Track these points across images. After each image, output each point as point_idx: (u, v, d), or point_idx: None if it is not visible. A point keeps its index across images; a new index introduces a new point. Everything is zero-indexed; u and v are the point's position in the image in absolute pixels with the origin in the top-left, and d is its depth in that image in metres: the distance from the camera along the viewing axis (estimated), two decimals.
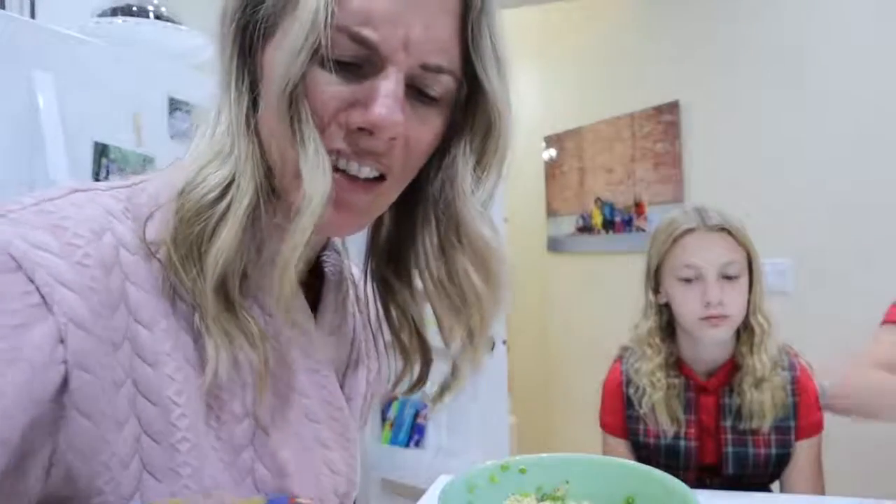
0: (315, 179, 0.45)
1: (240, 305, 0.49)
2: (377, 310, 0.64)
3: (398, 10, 0.45)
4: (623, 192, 2.90)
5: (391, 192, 0.53)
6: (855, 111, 2.07)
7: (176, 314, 0.48)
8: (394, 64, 0.46)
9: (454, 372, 0.60)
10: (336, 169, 0.48)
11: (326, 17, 0.44)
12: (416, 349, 0.63)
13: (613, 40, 2.96)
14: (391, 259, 0.61)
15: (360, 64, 0.47)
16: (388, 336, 0.65)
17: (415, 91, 0.49)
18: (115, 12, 1.43)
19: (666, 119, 2.65)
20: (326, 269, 0.63)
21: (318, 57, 0.45)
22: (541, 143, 3.40)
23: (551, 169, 3.36)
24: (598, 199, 3.04)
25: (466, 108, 0.52)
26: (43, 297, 0.41)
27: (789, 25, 2.24)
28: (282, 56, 0.45)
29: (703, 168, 2.55)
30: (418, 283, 0.59)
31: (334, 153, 0.48)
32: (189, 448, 0.46)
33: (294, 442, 0.55)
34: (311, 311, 0.58)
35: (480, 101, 0.51)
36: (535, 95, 3.40)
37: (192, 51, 1.52)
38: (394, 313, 0.62)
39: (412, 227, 0.57)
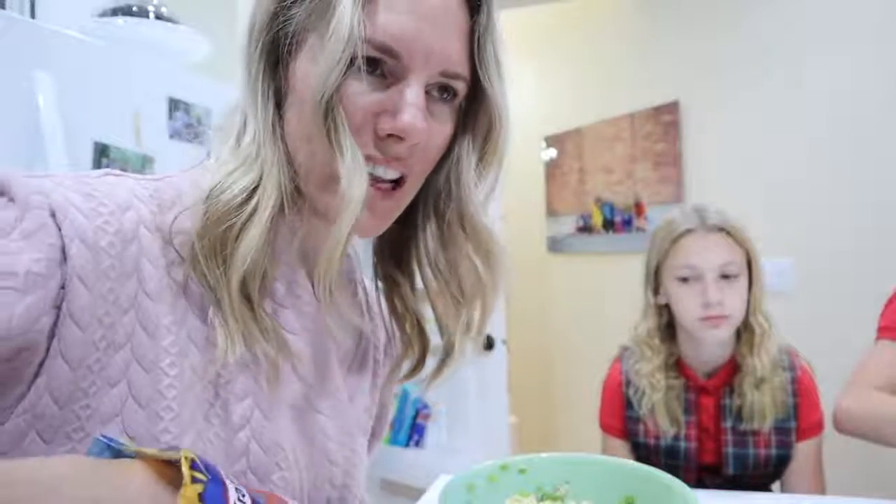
0: (354, 183, 0.49)
1: (258, 302, 0.52)
2: (384, 306, 0.68)
3: (419, 25, 0.50)
4: (623, 192, 2.90)
5: (410, 194, 0.58)
6: (855, 111, 2.07)
7: (187, 296, 0.51)
8: (416, 72, 0.51)
9: (448, 352, 0.64)
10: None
11: (362, 32, 0.48)
12: (417, 339, 0.68)
13: (613, 40, 2.96)
14: (394, 254, 0.65)
15: (385, 74, 0.52)
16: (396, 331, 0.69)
17: (432, 95, 0.54)
18: (115, 12, 1.43)
19: (666, 119, 2.65)
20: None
21: (351, 68, 0.49)
22: (541, 143, 3.40)
23: (551, 169, 3.36)
24: (598, 199, 3.04)
25: (469, 110, 0.57)
26: (63, 247, 0.44)
27: (789, 25, 2.24)
28: (319, 68, 0.49)
29: (703, 168, 2.54)
30: (419, 276, 0.64)
31: (366, 159, 0.52)
32: (172, 417, 0.48)
33: (294, 428, 0.57)
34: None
35: (483, 103, 0.56)
36: (535, 95, 3.40)
37: (192, 51, 1.52)
38: (398, 306, 0.67)
39: (413, 222, 0.62)
